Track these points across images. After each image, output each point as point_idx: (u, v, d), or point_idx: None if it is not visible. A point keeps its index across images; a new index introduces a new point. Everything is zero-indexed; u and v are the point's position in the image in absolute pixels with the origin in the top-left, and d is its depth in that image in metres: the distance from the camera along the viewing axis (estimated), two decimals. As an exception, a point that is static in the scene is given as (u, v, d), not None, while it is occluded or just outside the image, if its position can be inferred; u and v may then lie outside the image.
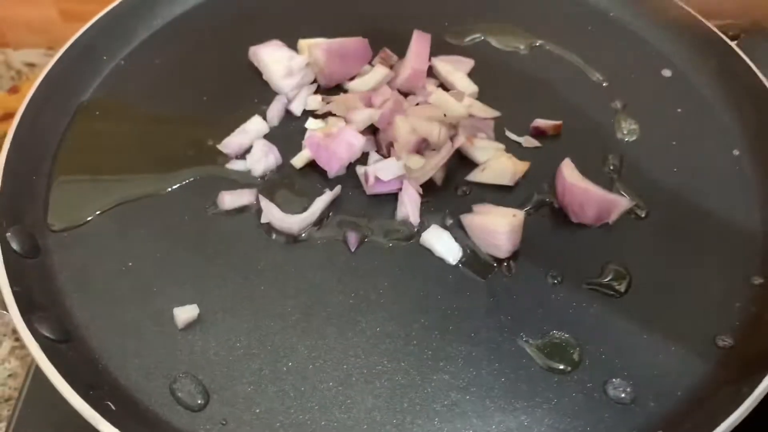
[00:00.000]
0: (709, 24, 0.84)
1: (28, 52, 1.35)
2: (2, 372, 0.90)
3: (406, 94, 0.78)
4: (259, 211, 0.70)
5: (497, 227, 0.65)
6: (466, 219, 0.68)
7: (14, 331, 0.93)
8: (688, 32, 0.85)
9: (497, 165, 0.71)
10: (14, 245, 0.65)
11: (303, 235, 0.70)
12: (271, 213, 0.69)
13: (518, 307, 0.65)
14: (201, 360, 0.61)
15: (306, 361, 0.62)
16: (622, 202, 0.69)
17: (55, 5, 1.30)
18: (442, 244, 0.67)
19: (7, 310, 0.59)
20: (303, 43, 0.82)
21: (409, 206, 0.68)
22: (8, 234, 0.65)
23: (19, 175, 0.70)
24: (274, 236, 0.70)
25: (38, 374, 0.76)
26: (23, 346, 0.91)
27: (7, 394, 0.87)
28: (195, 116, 0.79)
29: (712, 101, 0.82)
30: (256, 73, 0.83)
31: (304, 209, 0.70)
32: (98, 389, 0.58)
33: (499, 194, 0.72)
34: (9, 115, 1.16)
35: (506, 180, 0.71)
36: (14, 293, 0.60)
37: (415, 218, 0.69)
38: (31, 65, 1.35)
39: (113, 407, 0.56)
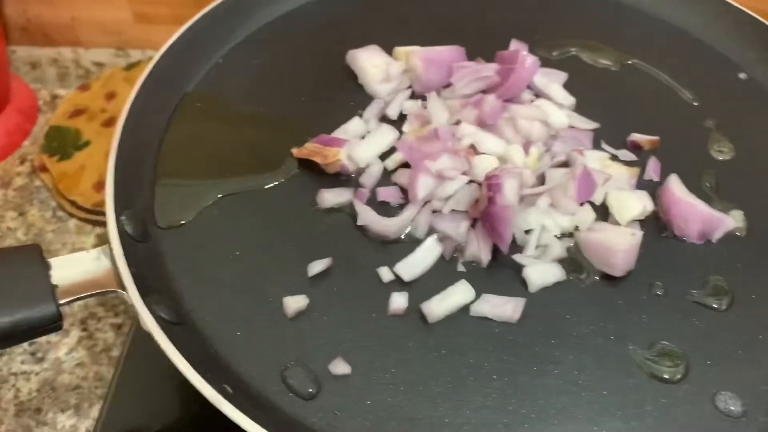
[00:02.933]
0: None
1: (98, 52, 1.38)
2: (70, 361, 0.91)
3: (504, 103, 0.79)
4: (355, 211, 0.71)
5: (615, 246, 0.65)
6: (581, 235, 0.68)
7: (82, 322, 0.94)
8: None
9: (613, 173, 0.71)
10: (128, 229, 0.66)
11: (401, 236, 0.70)
12: (368, 216, 0.70)
13: (623, 317, 0.65)
14: (311, 349, 0.62)
15: (415, 356, 0.62)
16: (727, 222, 0.69)
17: (129, 7, 1.33)
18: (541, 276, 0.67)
19: (125, 290, 0.60)
20: (400, 50, 0.84)
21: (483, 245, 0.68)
22: (122, 218, 0.66)
23: (128, 163, 0.71)
24: (371, 235, 0.70)
25: (129, 361, 0.77)
26: (90, 336, 0.93)
27: (74, 383, 0.88)
28: (293, 116, 0.80)
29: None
30: (351, 77, 0.84)
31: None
32: (213, 372, 0.58)
33: (603, 205, 0.72)
34: (80, 111, 1.19)
35: (624, 185, 0.71)
36: (132, 274, 0.61)
37: (486, 257, 0.68)
38: (99, 64, 1.38)
39: (230, 390, 0.57)
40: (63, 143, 1.12)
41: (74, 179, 1.08)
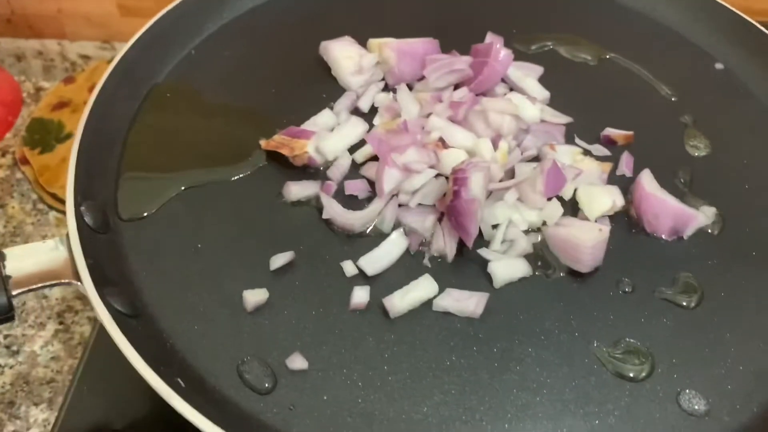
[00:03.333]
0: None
1: (84, 45, 1.37)
2: (45, 355, 0.90)
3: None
4: (321, 203, 0.70)
5: (582, 241, 0.64)
6: (548, 230, 0.67)
7: (59, 315, 0.93)
8: (761, 52, 0.84)
9: (585, 168, 0.70)
10: (87, 219, 0.65)
11: (367, 230, 0.69)
12: (333, 209, 0.69)
13: (589, 314, 0.64)
14: (269, 344, 0.61)
15: (375, 351, 0.61)
16: (699, 218, 0.68)
17: (114, 0, 1.32)
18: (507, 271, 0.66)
19: (80, 281, 0.59)
20: (373, 42, 0.83)
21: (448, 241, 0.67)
22: (82, 208, 0.65)
23: (92, 153, 0.71)
24: (336, 229, 0.69)
25: (94, 353, 0.76)
26: (66, 330, 0.92)
27: (49, 377, 0.87)
28: (263, 107, 0.80)
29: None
30: (324, 68, 0.83)
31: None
32: (168, 366, 0.57)
33: (573, 200, 0.71)
34: (63, 104, 1.19)
35: (596, 180, 0.70)
36: (88, 264, 0.60)
37: (451, 252, 0.67)
38: (85, 57, 1.37)
39: (183, 384, 0.56)
40: (45, 136, 1.12)
41: (55, 172, 1.07)
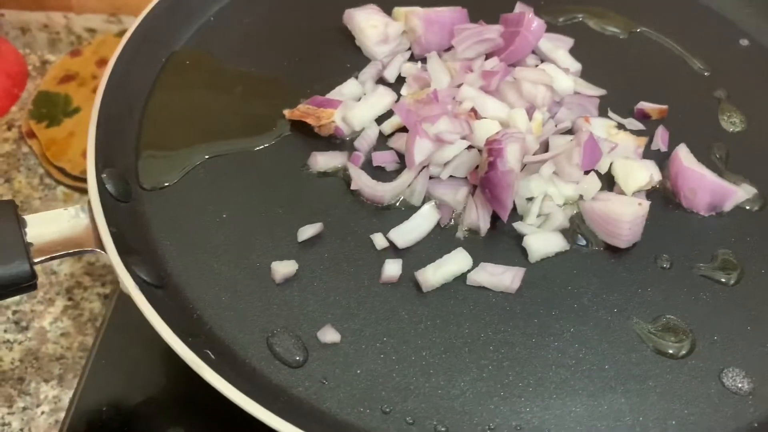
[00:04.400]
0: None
1: (90, 18, 1.34)
2: (55, 331, 0.88)
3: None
4: (349, 175, 0.68)
5: (621, 216, 0.62)
6: (585, 205, 0.65)
7: (68, 291, 0.91)
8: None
9: (620, 141, 0.68)
10: (109, 187, 0.63)
11: (396, 202, 0.67)
12: (362, 180, 0.67)
13: (627, 289, 0.62)
14: (299, 316, 0.59)
15: (408, 325, 0.59)
16: (738, 193, 0.66)
17: (122, -29, 1.29)
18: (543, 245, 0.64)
19: (104, 250, 0.57)
20: (399, 10, 0.80)
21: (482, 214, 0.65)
22: (103, 175, 0.63)
23: (112, 120, 0.68)
24: (365, 200, 0.67)
25: (109, 329, 0.74)
26: (76, 306, 0.90)
27: (59, 353, 0.85)
28: (286, 77, 0.77)
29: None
30: (348, 37, 0.81)
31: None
32: (196, 338, 0.55)
33: (608, 175, 0.69)
34: (70, 77, 1.16)
35: (631, 154, 0.68)
36: (111, 233, 0.58)
37: (485, 226, 0.65)
38: (91, 30, 1.34)
39: (213, 356, 0.54)
40: (52, 109, 1.09)
41: (63, 146, 1.05)
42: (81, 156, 1.01)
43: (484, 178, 0.63)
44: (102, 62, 1.18)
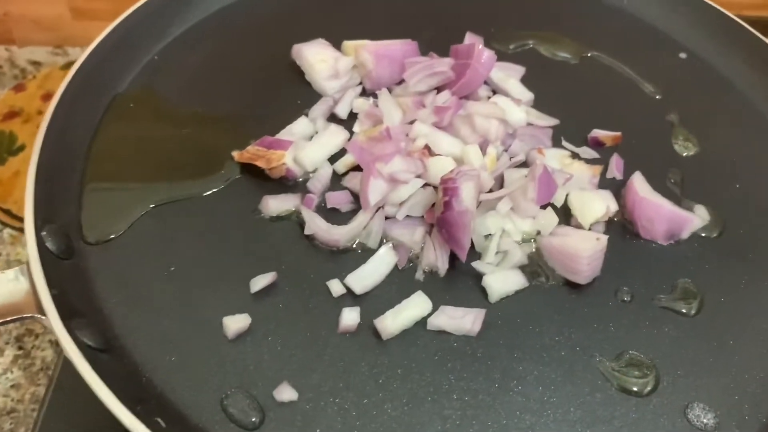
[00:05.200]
0: (762, 38, 0.83)
1: (34, 50, 1.30)
2: (4, 383, 0.84)
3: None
4: (303, 218, 0.66)
5: (579, 252, 0.61)
6: (543, 241, 0.64)
7: (18, 339, 0.88)
8: (745, 48, 0.83)
9: (575, 172, 0.67)
10: (49, 245, 0.60)
11: (352, 245, 0.65)
12: (316, 224, 0.65)
13: (589, 326, 0.62)
14: (254, 374, 0.57)
15: (368, 377, 0.57)
16: (694, 220, 0.66)
17: (66, 2, 1.26)
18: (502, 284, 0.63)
19: (45, 314, 0.54)
20: (349, 44, 0.79)
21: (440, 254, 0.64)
22: (43, 233, 0.60)
23: (52, 171, 0.65)
24: (320, 245, 0.65)
25: (60, 385, 0.70)
26: (27, 355, 0.86)
27: (9, 406, 0.81)
28: (235, 116, 0.75)
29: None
30: (297, 73, 0.79)
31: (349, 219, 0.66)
32: (145, 403, 0.53)
33: (565, 206, 0.68)
34: (13, 114, 1.12)
35: (586, 184, 0.68)
36: (52, 296, 0.55)
37: (444, 266, 0.64)
38: (36, 63, 1.30)
39: (163, 424, 0.51)
40: (-5, 148, 1.05)
41: (8, 186, 1.01)
42: (27, 195, 0.98)
43: (441, 219, 0.62)
44: (47, 96, 1.14)
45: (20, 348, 0.88)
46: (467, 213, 0.60)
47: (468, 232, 0.61)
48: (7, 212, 1.00)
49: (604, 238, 0.62)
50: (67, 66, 1.18)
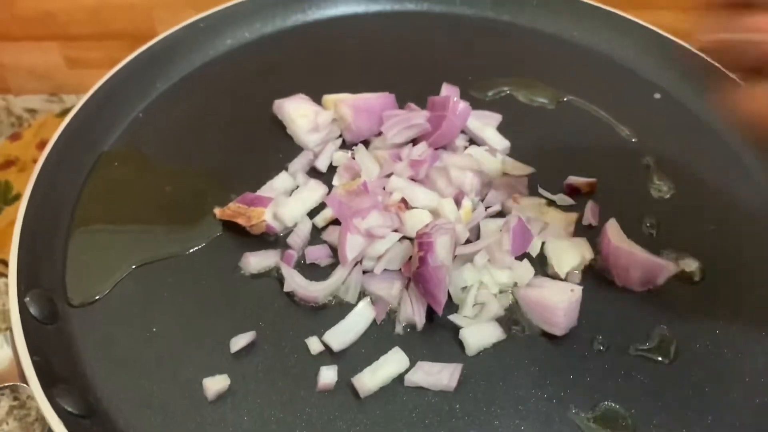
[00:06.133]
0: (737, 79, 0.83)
1: (30, 98, 1.33)
2: (-1, 436, 0.85)
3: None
4: (282, 274, 0.67)
5: (555, 303, 0.62)
6: (520, 292, 0.65)
7: (12, 390, 0.89)
8: (716, 86, 0.84)
9: (550, 220, 0.69)
10: (33, 311, 0.61)
11: (331, 301, 0.66)
12: (294, 281, 0.66)
13: (565, 377, 0.62)
14: (234, 436, 0.57)
15: (346, 437, 0.58)
16: (668, 267, 0.67)
17: (60, 51, 1.28)
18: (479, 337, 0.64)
19: (27, 383, 0.55)
20: (328, 98, 0.80)
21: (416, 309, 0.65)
22: (27, 299, 0.61)
23: (37, 234, 0.67)
24: (299, 301, 0.66)
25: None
26: (22, 406, 0.87)
27: (4, 460, 0.82)
28: (216, 170, 0.77)
29: (747, 158, 0.81)
30: (279, 127, 0.81)
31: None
32: (126, 470, 0.53)
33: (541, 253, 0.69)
34: (9, 163, 1.14)
35: (562, 232, 0.69)
36: (34, 363, 0.56)
37: (421, 320, 0.64)
38: (31, 111, 1.32)
39: (144, 491, 0.52)
40: (-9, 198, 1.07)
41: (4, 237, 1.03)
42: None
43: (416, 273, 0.63)
44: (43, 145, 1.16)
45: (15, 399, 0.88)
46: (442, 268, 0.62)
47: (443, 287, 0.62)
48: (3, 262, 1.01)
49: (579, 289, 0.63)
50: (63, 113, 1.20)
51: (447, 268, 0.62)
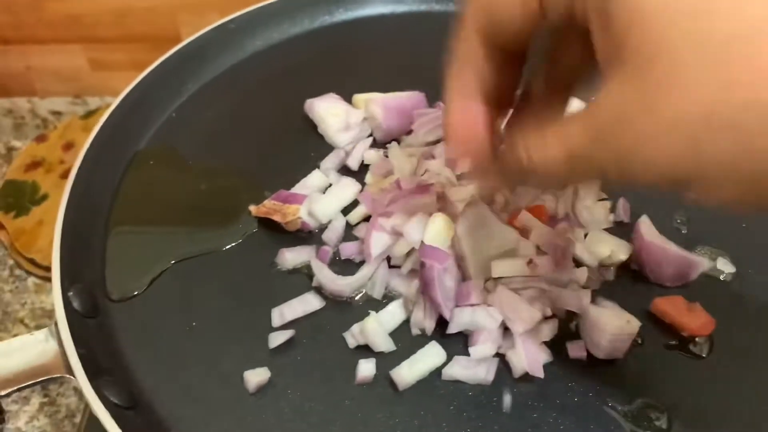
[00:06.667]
0: None
1: (55, 101, 1.35)
2: (31, 430, 0.87)
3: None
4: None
5: (604, 326, 0.60)
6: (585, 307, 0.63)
7: (43, 387, 0.90)
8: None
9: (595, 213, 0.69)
10: (76, 305, 0.62)
11: (357, 297, 0.67)
12: (322, 275, 0.66)
13: (601, 371, 0.62)
14: (275, 427, 0.58)
15: (385, 428, 0.58)
16: (702, 263, 0.67)
17: (84, 54, 1.30)
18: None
19: (73, 375, 0.56)
20: (359, 97, 0.81)
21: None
22: (70, 293, 0.62)
23: (76, 231, 0.68)
24: (328, 295, 0.67)
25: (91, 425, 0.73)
26: (52, 402, 0.89)
27: (36, 455, 0.83)
28: (251, 170, 0.78)
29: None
30: (310, 126, 0.82)
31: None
32: (171, 459, 0.54)
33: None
34: (37, 164, 1.16)
35: (604, 222, 0.70)
36: (80, 356, 0.57)
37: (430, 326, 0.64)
38: (57, 113, 1.35)
39: (189, 481, 0.53)
40: (19, 198, 1.09)
41: (32, 236, 1.05)
42: (51, 245, 1.01)
43: (420, 277, 0.63)
44: (68, 146, 1.18)
45: (45, 396, 0.90)
46: (434, 269, 0.61)
47: (442, 291, 0.61)
48: (32, 261, 1.03)
49: (636, 324, 0.61)
50: (87, 115, 1.22)
51: (438, 269, 0.62)
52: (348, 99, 0.82)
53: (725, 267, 0.70)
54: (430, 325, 0.63)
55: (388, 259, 0.67)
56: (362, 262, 0.69)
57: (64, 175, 1.10)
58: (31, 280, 1.02)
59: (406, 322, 0.65)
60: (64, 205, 0.68)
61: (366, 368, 0.61)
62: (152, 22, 1.24)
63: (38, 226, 1.05)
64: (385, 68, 0.88)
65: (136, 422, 0.56)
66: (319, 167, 0.77)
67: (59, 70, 1.32)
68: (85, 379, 0.55)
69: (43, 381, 0.57)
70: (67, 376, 0.57)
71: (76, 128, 1.20)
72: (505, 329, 0.62)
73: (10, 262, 1.03)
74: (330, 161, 0.77)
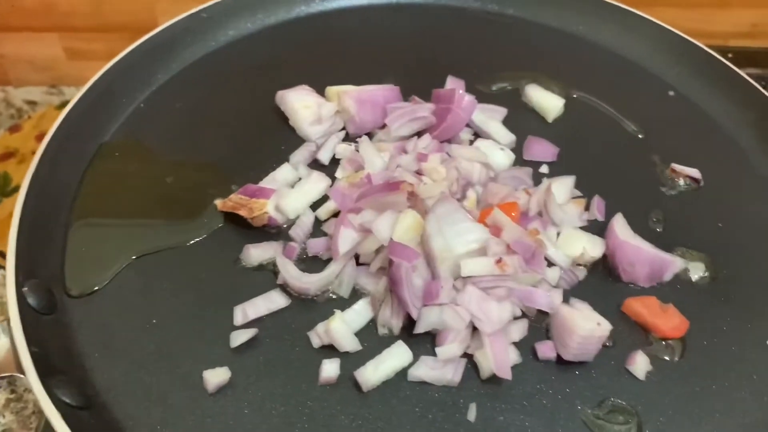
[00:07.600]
0: (747, 77, 0.83)
1: (30, 90, 1.32)
2: (-4, 428, 0.84)
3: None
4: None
5: (574, 328, 0.59)
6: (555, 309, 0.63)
7: (9, 383, 0.88)
8: (726, 85, 0.83)
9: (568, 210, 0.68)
10: (31, 301, 0.60)
11: (327, 294, 0.65)
12: (288, 273, 0.64)
13: (571, 373, 0.61)
14: (235, 428, 0.56)
15: (348, 431, 0.57)
16: (676, 263, 0.66)
17: (60, 43, 1.28)
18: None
19: (24, 374, 0.54)
20: (332, 90, 0.79)
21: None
22: (25, 289, 0.60)
23: (35, 224, 0.66)
24: (293, 293, 0.65)
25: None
26: (19, 399, 0.86)
27: (0, 452, 0.81)
28: (219, 163, 0.76)
29: (753, 155, 0.80)
30: (281, 119, 0.80)
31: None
32: (124, 463, 0.53)
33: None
34: (9, 154, 1.13)
35: (577, 221, 0.69)
36: (32, 354, 0.55)
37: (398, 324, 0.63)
38: (32, 103, 1.32)
39: (142, 485, 0.51)
40: (-10, 190, 1.07)
41: (3, 228, 1.02)
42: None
43: (389, 274, 0.61)
44: (42, 136, 1.15)
45: (12, 392, 0.87)
46: (402, 267, 0.60)
47: (410, 290, 0.60)
48: (2, 254, 1.00)
49: (607, 325, 0.60)
50: (63, 105, 1.19)
51: (407, 268, 0.60)
52: (321, 91, 0.80)
53: (700, 268, 0.69)
54: (397, 325, 0.61)
55: (357, 256, 0.65)
56: (330, 260, 0.67)
57: (36, 167, 1.08)
58: (2, 273, 0.99)
59: (373, 321, 0.63)
60: (23, 196, 0.66)
61: (330, 368, 0.59)
62: (130, 11, 1.22)
63: (9, 218, 1.02)
64: (359, 61, 0.86)
65: (90, 423, 0.55)
66: (289, 161, 0.75)
67: (34, 59, 1.29)
68: (36, 378, 0.54)
69: (-8, 380, 0.55)
70: (18, 375, 0.55)
71: (51, 118, 1.17)
72: (474, 329, 0.61)
73: (-20, 254, 1.00)
74: (300, 154, 0.75)
